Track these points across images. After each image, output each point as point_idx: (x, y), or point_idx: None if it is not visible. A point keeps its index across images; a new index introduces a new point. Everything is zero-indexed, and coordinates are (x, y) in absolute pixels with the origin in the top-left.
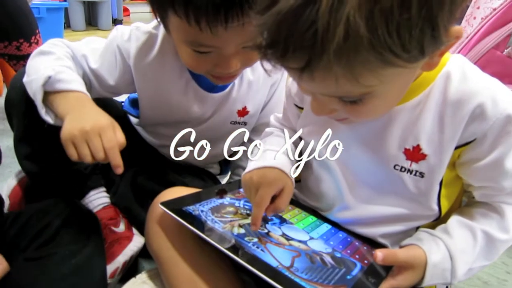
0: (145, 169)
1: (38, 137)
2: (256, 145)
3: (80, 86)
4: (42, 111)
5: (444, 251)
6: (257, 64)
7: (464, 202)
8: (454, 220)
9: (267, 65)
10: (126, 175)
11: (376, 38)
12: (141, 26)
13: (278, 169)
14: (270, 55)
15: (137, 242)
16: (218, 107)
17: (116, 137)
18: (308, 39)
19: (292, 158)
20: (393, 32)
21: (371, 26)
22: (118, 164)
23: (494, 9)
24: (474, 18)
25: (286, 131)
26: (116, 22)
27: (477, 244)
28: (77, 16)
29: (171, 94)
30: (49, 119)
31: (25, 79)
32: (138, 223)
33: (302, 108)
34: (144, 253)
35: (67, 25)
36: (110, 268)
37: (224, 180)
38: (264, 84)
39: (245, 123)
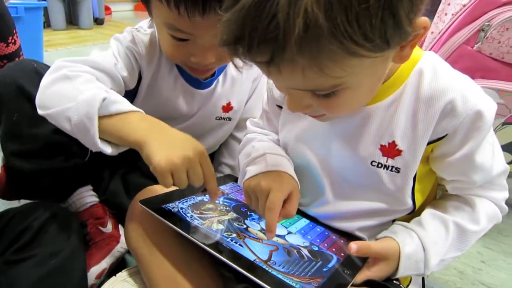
0: (135, 166)
1: (26, 134)
2: (253, 147)
3: (131, 105)
4: (98, 142)
5: (418, 243)
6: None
7: (439, 195)
8: (427, 213)
9: (238, 62)
10: (118, 172)
11: (336, 28)
12: (139, 28)
13: (285, 173)
14: (238, 51)
15: (124, 243)
16: (204, 103)
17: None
18: (271, 32)
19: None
20: (353, 21)
21: (330, 16)
22: (216, 192)
23: (464, 6)
24: (446, 14)
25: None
26: (97, 21)
27: (449, 235)
28: (57, 15)
29: (161, 89)
30: (107, 149)
31: (47, 111)
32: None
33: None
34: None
35: (47, 24)
36: (97, 269)
37: None
38: (247, 79)
39: (229, 119)
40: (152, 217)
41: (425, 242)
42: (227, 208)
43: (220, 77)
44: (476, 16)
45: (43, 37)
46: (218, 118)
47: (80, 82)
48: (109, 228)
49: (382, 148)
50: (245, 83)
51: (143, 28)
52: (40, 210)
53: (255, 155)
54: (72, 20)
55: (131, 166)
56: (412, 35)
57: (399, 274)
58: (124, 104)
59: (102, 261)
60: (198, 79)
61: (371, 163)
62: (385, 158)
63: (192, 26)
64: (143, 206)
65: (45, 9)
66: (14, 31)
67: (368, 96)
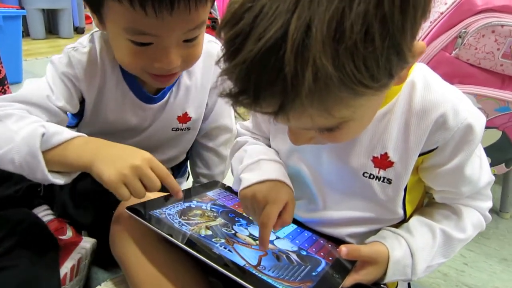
0: (84, 175)
1: None
2: (245, 152)
3: (71, 131)
4: (48, 175)
5: (406, 248)
6: (194, 68)
7: (425, 202)
8: (415, 220)
9: (240, 109)
10: (66, 185)
11: (345, 75)
12: (76, 46)
13: (281, 182)
14: (241, 103)
15: (85, 243)
16: (157, 116)
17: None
18: (278, 84)
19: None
20: (360, 66)
21: (338, 64)
22: (178, 189)
23: (442, 13)
24: (424, 21)
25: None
26: (78, 30)
27: (436, 242)
28: (37, 24)
29: (108, 106)
30: (60, 180)
31: None
32: (82, 226)
33: None
34: (107, 262)
35: (26, 33)
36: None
37: (184, 186)
38: (202, 87)
39: (188, 129)
40: (138, 223)
41: (413, 248)
42: (215, 214)
43: (174, 88)
44: (454, 23)
45: (22, 46)
46: (174, 129)
47: (12, 122)
48: (69, 234)
49: (374, 159)
50: (201, 92)
51: (83, 44)
52: (18, 216)
53: (249, 162)
54: (52, 29)
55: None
56: (412, 62)
57: (387, 279)
58: (65, 133)
59: (62, 266)
60: (149, 94)
61: (363, 174)
62: (377, 169)
63: (158, 25)
64: (130, 213)
65: (24, 18)
66: None
67: (369, 122)
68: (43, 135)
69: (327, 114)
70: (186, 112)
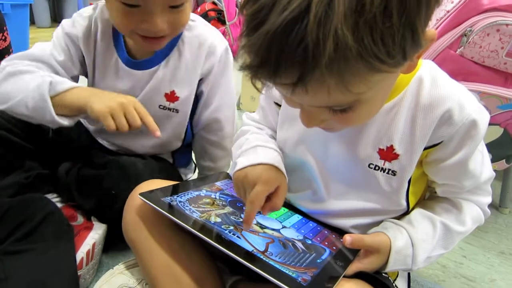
0: (88, 162)
1: None
2: (246, 140)
3: (73, 82)
4: (55, 117)
5: (407, 239)
6: (184, 50)
7: (427, 196)
8: (417, 212)
9: (258, 84)
10: (72, 172)
11: (363, 48)
12: (82, 12)
13: (273, 167)
14: (261, 74)
15: (97, 229)
16: (143, 86)
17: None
18: (299, 54)
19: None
20: (378, 40)
21: (357, 36)
22: (156, 127)
23: (448, 12)
24: (430, 20)
25: (265, 129)
26: None
27: (436, 234)
28: (42, 12)
29: (102, 69)
30: (64, 121)
31: (5, 105)
32: (88, 212)
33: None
34: (119, 246)
35: (32, 22)
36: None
37: (191, 178)
38: (192, 70)
39: (176, 110)
40: (150, 210)
41: (414, 239)
42: (224, 203)
43: (162, 62)
44: (459, 21)
45: (29, 35)
46: (162, 107)
47: (25, 75)
48: (80, 220)
49: (380, 151)
50: (190, 73)
51: (86, 11)
52: (43, 202)
53: (246, 147)
54: (57, 18)
55: (85, 162)
56: (424, 47)
57: (388, 268)
58: (68, 83)
59: (78, 251)
60: (135, 60)
61: (369, 165)
62: (383, 161)
63: None
64: (142, 198)
65: (30, 6)
66: (5, 28)
67: (380, 106)
68: (50, 83)
69: (344, 88)
70: (173, 91)
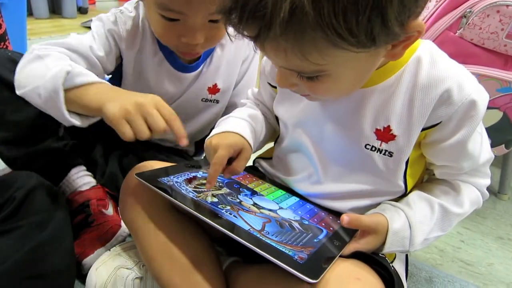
0: (128, 151)
1: (9, 121)
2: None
3: (97, 77)
4: (65, 113)
5: (405, 221)
6: (226, 41)
7: (425, 179)
8: (415, 194)
9: (230, 30)
10: (112, 157)
11: (321, 18)
12: (123, 9)
13: (236, 133)
14: (229, 21)
15: (123, 231)
16: (189, 86)
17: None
18: (259, 10)
19: (254, 126)
20: (339, 14)
21: (316, 5)
22: (184, 134)
23: None
24: (430, 1)
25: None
26: (81, 10)
27: (434, 216)
28: (40, 3)
29: (147, 73)
30: (75, 121)
31: (23, 90)
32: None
33: (275, 87)
34: None
35: (29, 13)
36: (101, 251)
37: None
38: (234, 60)
39: (217, 101)
40: (147, 190)
41: (411, 220)
42: (220, 184)
43: (207, 60)
44: (459, 3)
45: (26, 26)
46: (204, 100)
47: (50, 61)
48: (110, 211)
49: (377, 132)
50: (233, 64)
51: (128, 9)
52: (22, 179)
53: (222, 118)
54: (55, 9)
55: (125, 149)
56: (403, 37)
57: (386, 249)
58: (89, 77)
59: (106, 244)
60: (184, 63)
61: (365, 146)
62: (379, 142)
63: (184, 4)
64: (139, 179)
65: None
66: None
67: (350, 87)
68: (68, 73)
69: (300, 55)
70: (215, 84)
